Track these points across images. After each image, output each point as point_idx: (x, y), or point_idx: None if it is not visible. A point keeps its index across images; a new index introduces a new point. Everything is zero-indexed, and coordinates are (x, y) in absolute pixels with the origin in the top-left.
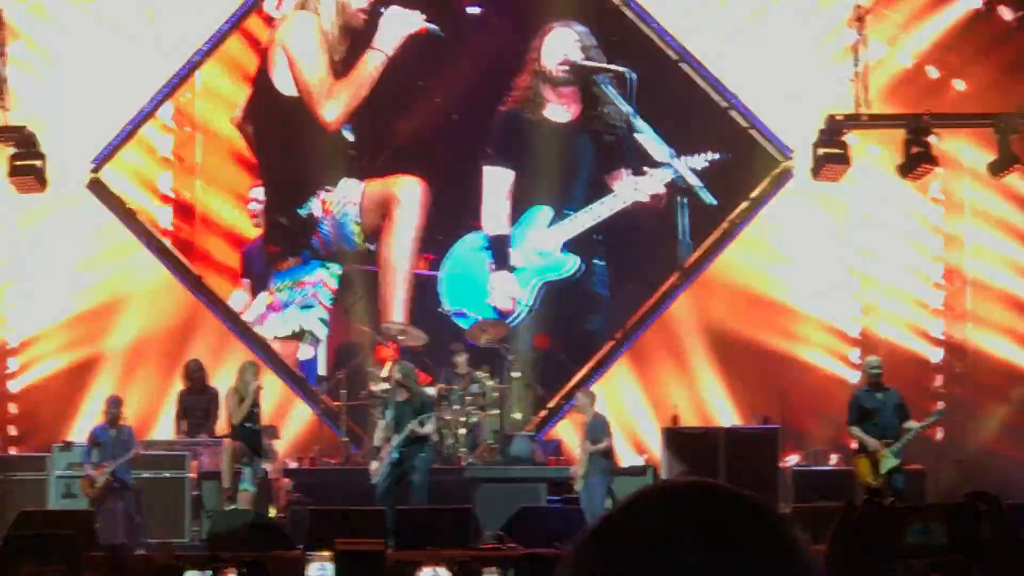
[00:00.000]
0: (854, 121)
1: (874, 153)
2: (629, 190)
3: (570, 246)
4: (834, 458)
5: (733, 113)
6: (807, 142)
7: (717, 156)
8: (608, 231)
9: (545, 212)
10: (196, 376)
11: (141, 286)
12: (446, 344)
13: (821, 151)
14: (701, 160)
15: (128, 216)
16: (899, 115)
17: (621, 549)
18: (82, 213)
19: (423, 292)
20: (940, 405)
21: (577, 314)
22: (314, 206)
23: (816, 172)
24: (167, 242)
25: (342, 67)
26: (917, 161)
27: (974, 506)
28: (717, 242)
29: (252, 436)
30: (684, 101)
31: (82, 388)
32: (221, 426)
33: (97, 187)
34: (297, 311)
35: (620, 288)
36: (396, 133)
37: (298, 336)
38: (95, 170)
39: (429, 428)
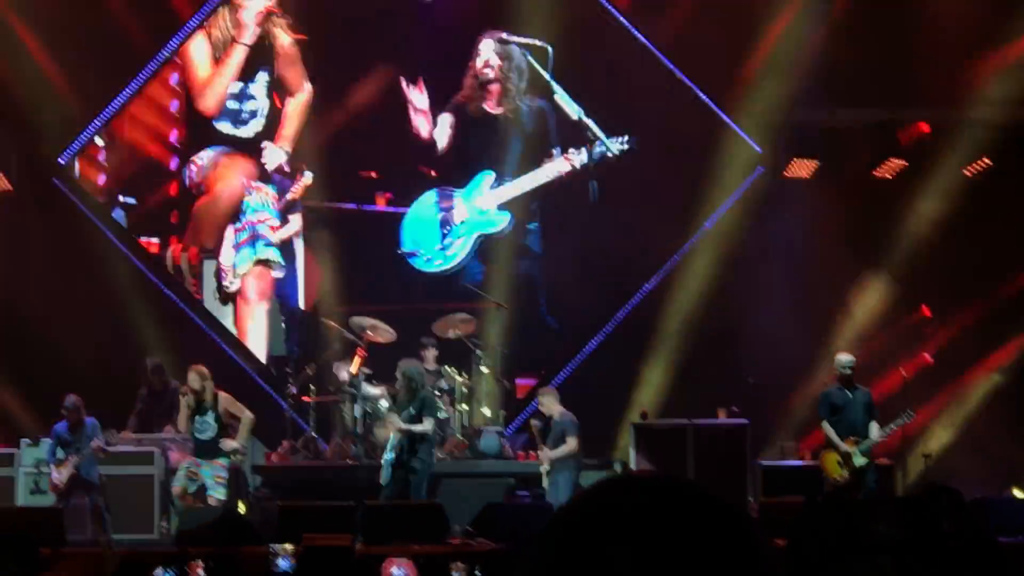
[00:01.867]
0: (824, 115)
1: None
2: (559, 161)
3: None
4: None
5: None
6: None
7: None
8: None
9: (489, 178)
10: (156, 376)
11: (109, 281)
12: (415, 339)
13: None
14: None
15: (96, 209)
16: (868, 109)
17: (576, 543)
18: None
19: (382, 231)
20: (908, 411)
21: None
22: None
23: (785, 168)
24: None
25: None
26: (886, 157)
27: (935, 501)
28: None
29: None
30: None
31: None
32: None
33: (65, 180)
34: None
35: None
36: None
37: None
38: (63, 165)
39: (427, 426)
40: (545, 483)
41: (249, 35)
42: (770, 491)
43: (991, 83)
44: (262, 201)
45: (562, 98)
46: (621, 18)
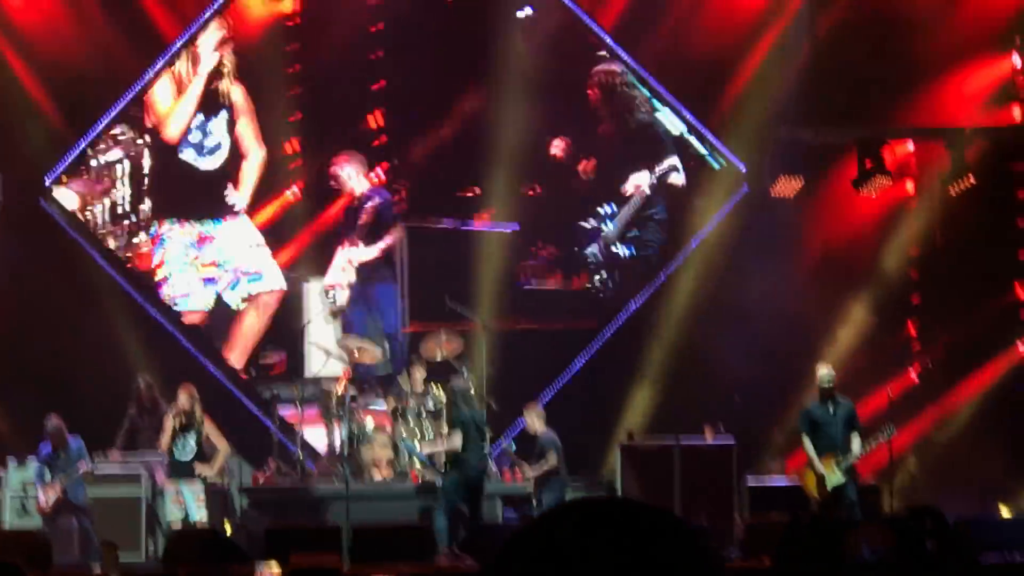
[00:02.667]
0: (807, 135)
1: None
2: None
3: None
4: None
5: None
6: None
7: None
8: None
9: None
10: (146, 394)
11: (96, 299)
12: (402, 358)
13: (776, 164)
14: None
15: (81, 229)
16: (852, 127)
17: (534, 561)
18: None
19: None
20: (889, 426)
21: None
22: None
23: (771, 186)
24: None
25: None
26: (871, 175)
27: (919, 521)
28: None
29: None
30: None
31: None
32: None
33: (52, 202)
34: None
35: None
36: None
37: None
38: (50, 186)
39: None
40: (533, 504)
41: (206, 65)
42: (757, 509)
43: (975, 101)
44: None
45: (664, 115)
46: (607, 37)
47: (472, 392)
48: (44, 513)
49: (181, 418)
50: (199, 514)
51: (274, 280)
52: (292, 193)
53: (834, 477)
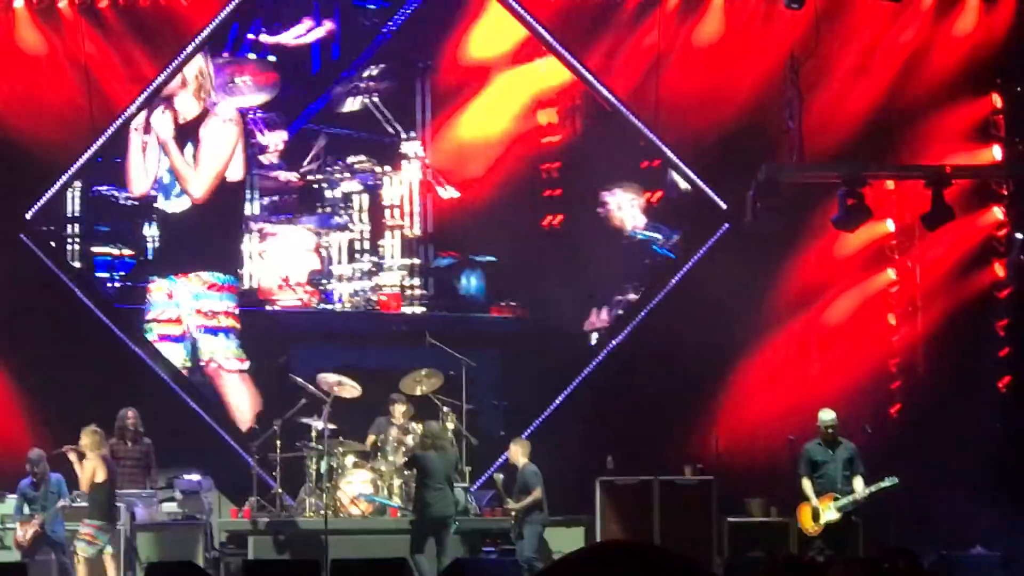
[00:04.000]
0: (789, 171)
1: None
2: None
3: None
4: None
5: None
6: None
7: None
8: None
9: None
10: (129, 424)
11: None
12: (381, 395)
13: (757, 201)
14: None
15: (61, 264)
16: (833, 165)
17: None
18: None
19: None
20: (892, 479)
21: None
22: None
23: (753, 223)
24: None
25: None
26: (852, 213)
27: (893, 562)
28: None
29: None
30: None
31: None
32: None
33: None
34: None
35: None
36: None
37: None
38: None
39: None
40: (513, 538)
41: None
42: (736, 548)
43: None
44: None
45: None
46: (590, 77)
47: (447, 436)
48: (21, 547)
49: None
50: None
51: None
52: None
53: (829, 514)
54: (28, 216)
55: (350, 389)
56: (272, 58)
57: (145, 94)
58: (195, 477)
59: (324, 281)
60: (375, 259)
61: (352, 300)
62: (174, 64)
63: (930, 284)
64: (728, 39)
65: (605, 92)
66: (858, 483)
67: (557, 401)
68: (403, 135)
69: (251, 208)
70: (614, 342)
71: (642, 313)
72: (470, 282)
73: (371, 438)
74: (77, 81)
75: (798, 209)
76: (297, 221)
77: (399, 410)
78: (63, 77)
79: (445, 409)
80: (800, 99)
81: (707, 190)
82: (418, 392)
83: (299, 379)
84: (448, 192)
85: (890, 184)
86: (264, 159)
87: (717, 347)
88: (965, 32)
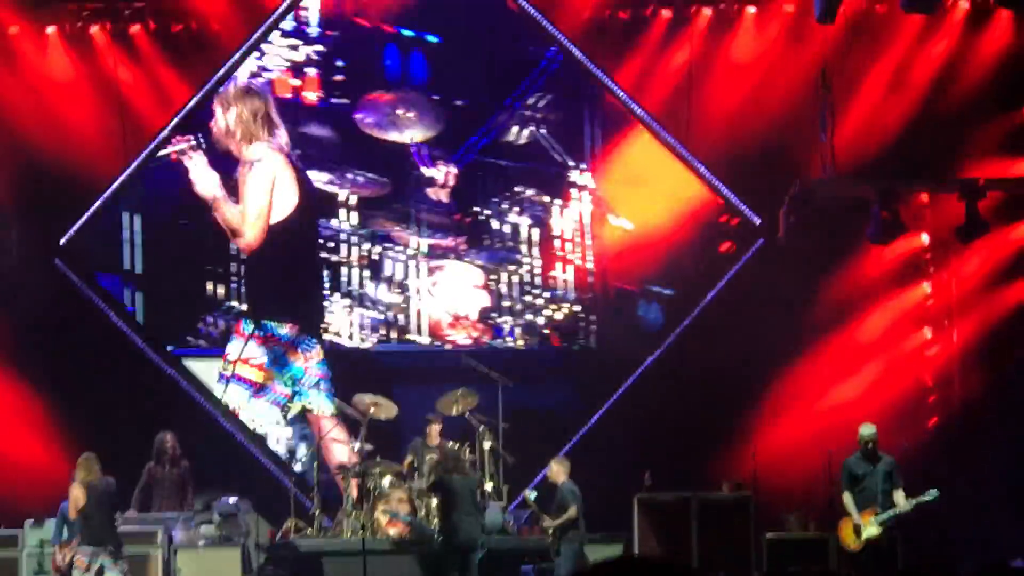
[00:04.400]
0: (822, 186)
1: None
2: None
3: None
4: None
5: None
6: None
7: None
8: None
9: None
10: (168, 448)
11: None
12: (419, 415)
13: (791, 216)
14: None
15: (96, 288)
16: (867, 179)
17: None
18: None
19: None
20: (933, 492)
21: None
22: None
23: (786, 237)
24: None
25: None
26: (887, 227)
27: None
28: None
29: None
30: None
31: (56, 461)
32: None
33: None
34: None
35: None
36: None
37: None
38: (65, 244)
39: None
40: (552, 556)
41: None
42: (775, 564)
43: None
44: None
45: None
46: (618, 90)
47: (465, 459)
48: (60, 571)
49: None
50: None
51: None
52: None
53: (871, 529)
54: (62, 242)
55: (386, 410)
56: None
57: (177, 118)
58: (233, 499)
59: (494, 315)
60: (547, 293)
61: (525, 337)
62: (206, 88)
63: (965, 297)
64: (760, 54)
65: (637, 109)
66: (899, 496)
67: (594, 418)
68: (571, 164)
69: (419, 242)
70: (650, 359)
71: (678, 328)
72: (647, 314)
73: (408, 459)
74: (108, 106)
75: (832, 224)
76: (464, 255)
77: (435, 430)
78: (94, 102)
79: (482, 428)
80: (833, 113)
81: (741, 206)
82: (454, 412)
83: (336, 400)
84: (620, 222)
85: (924, 197)
86: (432, 193)
87: (754, 362)
88: (997, 44)
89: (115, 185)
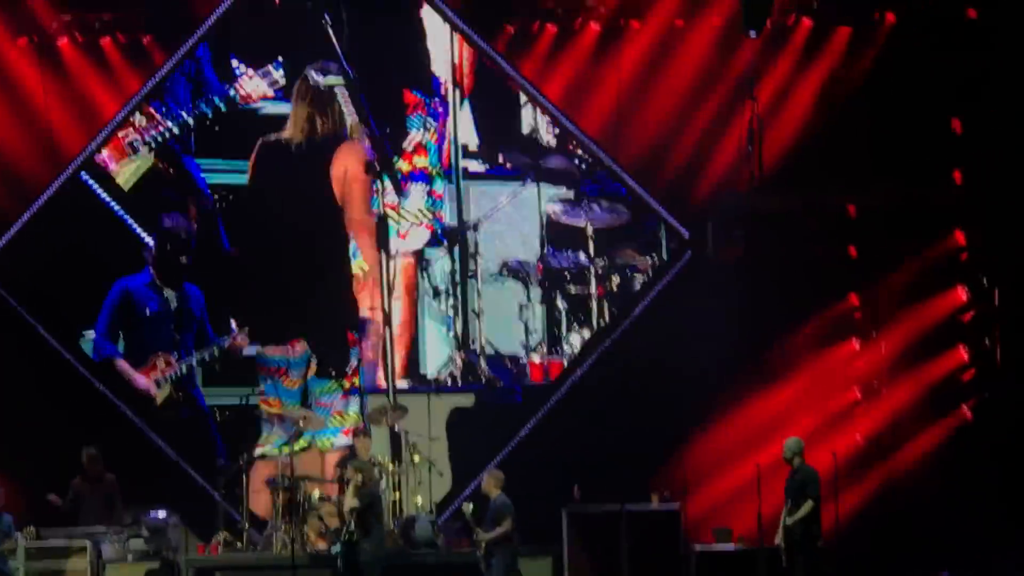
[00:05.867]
0: (748, 199)
1: None
2: None
3: None
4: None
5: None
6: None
7: None
8: None
9: None
10: (91, 466)
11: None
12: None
13: (720, 229)
14: None
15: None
16: (794, 191)
17: None
18: None
19: None
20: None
21: None
22: None
23: (714, 252)
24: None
25: None
26: (812, 238)
27: None
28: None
29: None
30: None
31: None
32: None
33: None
34: None
35: None
36: None
37: None
38: None
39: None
40: (482, 569)
41: None
42: None
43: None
44: None
45: None
46: (546, 103)
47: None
48: None
49: None
50: None
51: None
52: None
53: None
54: None
55: (316, 422)
56: None
57: (104, 133)
58: (162, 513)
59: None
60: None
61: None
62: (132, 103)
63: (891, 307)
64: (687, 66)
65: (565, 121)
66: (803, 508)
67: (524, 431)
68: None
69: None
70: (580, 371)
71: (606, 341)
72: None
73: (338, 472)
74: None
75: (759, 235)
76: None
77: (365, 444)
78: (19, 115)
79: (412, 441)
80: (760, 126)
81: (670, 219)
82: (383, 425)
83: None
84: None
85: (851, 209)
86: None
87: (684, 375)
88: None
89: (35, 207)
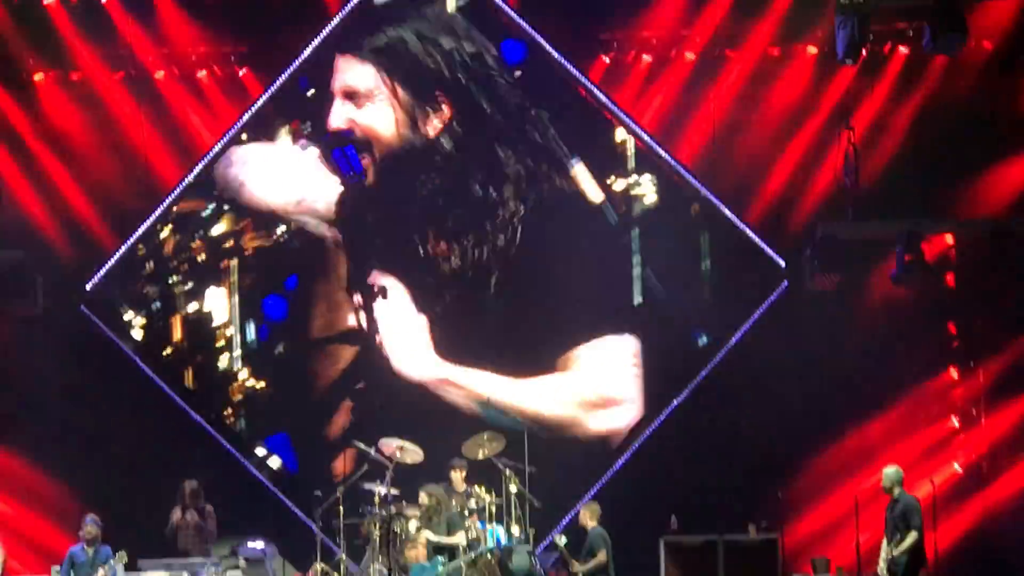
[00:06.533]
0: (846, 229)
1: None
2: None
3: None
4: None
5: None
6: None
7: None
8: None
9: None
10: (191, 498)
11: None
12: (444, 460)
13: (815, 259)
14: None
15: (124, 335)
16: (890, 222)
17: None
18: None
19: None
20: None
21: None
22: None
23: (811, 280)
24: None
25: None
26: (911, 268)
27: None
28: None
29: None
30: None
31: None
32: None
33: (93, 307)
34: None
35: None
36: None
37: None
38: (90, 291)
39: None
40: None
41: None
42: None
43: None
44: None
45: None
46: (641, 132)
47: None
48: None
49: None
50: None
51: None
52: None
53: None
54: (88, 287)
55: (412, 454)
56: None
57: (200, 166)
58: (259, 544)
59: None
60: None
61: None
62: (227, 137)
63: (991, 336)
64: (782, 96)
65: (662, 152)
66: (908, 539)
67: (621, 461)
68: None
69: None
70: (676, 401)
71: (704, 371)
72: None
73: (425, 502)
74: (133, 153)
75: (855, 267)
76: None
77: (459, 476)
78: (118, 149)
79: (508, 472)
80: (856, 155)
81: (766, 249)
82: (480, 456)
83: (361, 444)
84: None
85: (948, 239)
86: None
87: (781, 403)
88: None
89: (139, 232)
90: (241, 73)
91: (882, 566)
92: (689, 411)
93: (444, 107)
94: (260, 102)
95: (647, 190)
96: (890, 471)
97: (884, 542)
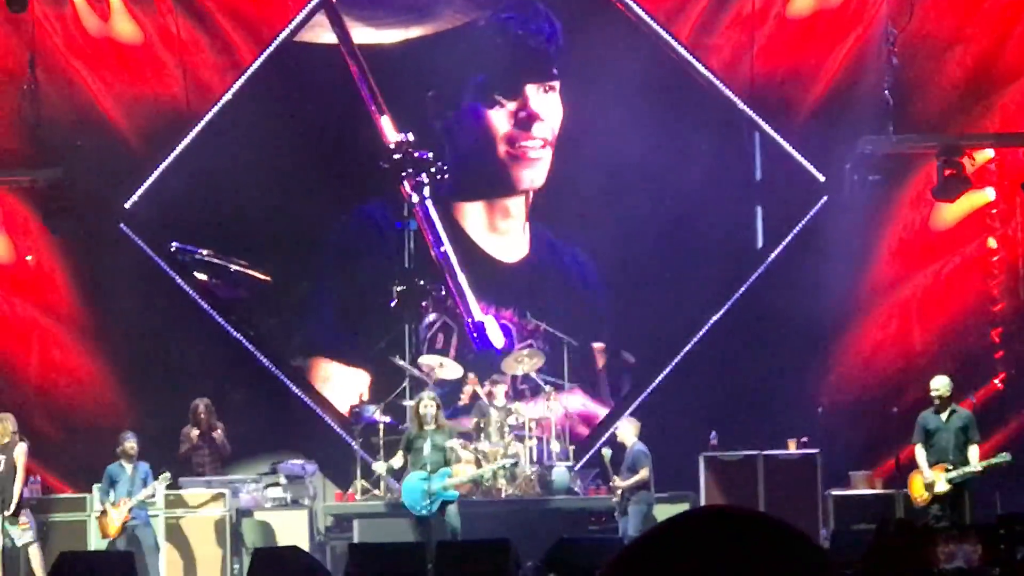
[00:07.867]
0: (887, 143)
1: None
2: None
3: None
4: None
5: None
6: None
7: None
8: None
9: None
10: (205, 417)
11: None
12: (483, 376)
13: (855, 174)
14: None
15: (164, 253)
16: (931, 136)
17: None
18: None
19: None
20: (1005, 455)
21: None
22: None
23: (851, 195)
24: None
25: None
26: (952, 184)
27: (1009, 528)
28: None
29: None
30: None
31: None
32: None
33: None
34: None
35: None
36: None
37: None
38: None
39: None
40: (617, 516)
41: None
42: (841, 522)
43: None
44: None
45: None
46: (682, 48)
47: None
48: (111, 534)
49: None
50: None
51: None
52: None
53: (941, 485)
54: (127, 205)
55: (451, 371)
56: None
57: (240, 81)
58: (299, 462)
59: None
60: None
61: None
62: (269, 50)
63: None
64: (820, 10)
65: (700, 67)
66: (972, 453)
67: (660, 377)
68: None
69: None
70: (714, 317)
71: (742, 287)
72: None
73: (474, 420)
74: (173, 70)
75: (895, 180)
76: None
77: (500, 391)
78: (159, 66)
79: (547, 388)
80: (896, 69)
81: (805, 163)
82: (519, 372)
83: (400, 361)
84: None
85: (989, 152)
86: None
87: (817, 319)
88: None
89: (178, 150)
90: None
91: (943, 481)
92: (727, 326)
93: None
94: (302, 15)
95: None
96: (946, 380)
97: (926, 455)
